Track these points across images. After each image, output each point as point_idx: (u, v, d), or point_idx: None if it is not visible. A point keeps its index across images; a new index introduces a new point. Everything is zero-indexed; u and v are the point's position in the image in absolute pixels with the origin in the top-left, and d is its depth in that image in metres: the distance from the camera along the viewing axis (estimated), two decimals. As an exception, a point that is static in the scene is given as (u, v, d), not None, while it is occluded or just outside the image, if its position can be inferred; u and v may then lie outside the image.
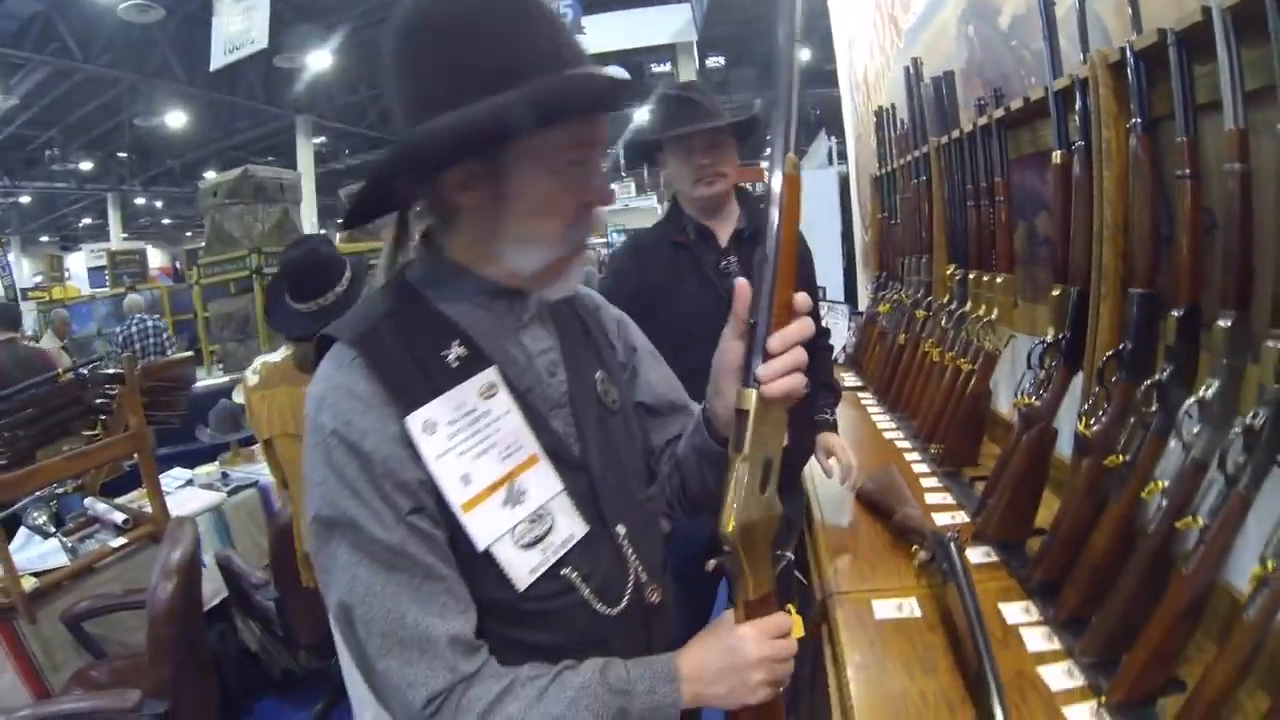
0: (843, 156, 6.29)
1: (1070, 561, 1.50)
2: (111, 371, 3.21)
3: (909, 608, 1.63)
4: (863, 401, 3.45)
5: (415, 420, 0.89)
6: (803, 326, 0.91)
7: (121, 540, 2.97)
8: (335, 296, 2.41)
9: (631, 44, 12.38)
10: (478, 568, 0.92)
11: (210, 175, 12.09)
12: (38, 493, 2.99)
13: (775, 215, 0.89)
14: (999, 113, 2.18)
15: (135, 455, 3.04)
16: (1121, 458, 1.40)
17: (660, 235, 2.22)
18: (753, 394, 0.89)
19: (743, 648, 0.95)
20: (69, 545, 2.91)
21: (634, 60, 13.40)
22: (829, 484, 2.26)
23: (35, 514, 3.04)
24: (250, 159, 14.45)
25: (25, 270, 22.89)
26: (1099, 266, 1.57)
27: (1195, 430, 1.22)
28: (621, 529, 1.03)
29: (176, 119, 15.43)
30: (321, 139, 18.35)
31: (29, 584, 2.59)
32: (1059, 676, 1.35)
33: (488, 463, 0.93)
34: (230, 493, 3.64)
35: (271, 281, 2.70)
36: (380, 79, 0.96)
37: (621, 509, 1.04)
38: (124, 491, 3.55)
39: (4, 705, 2.38)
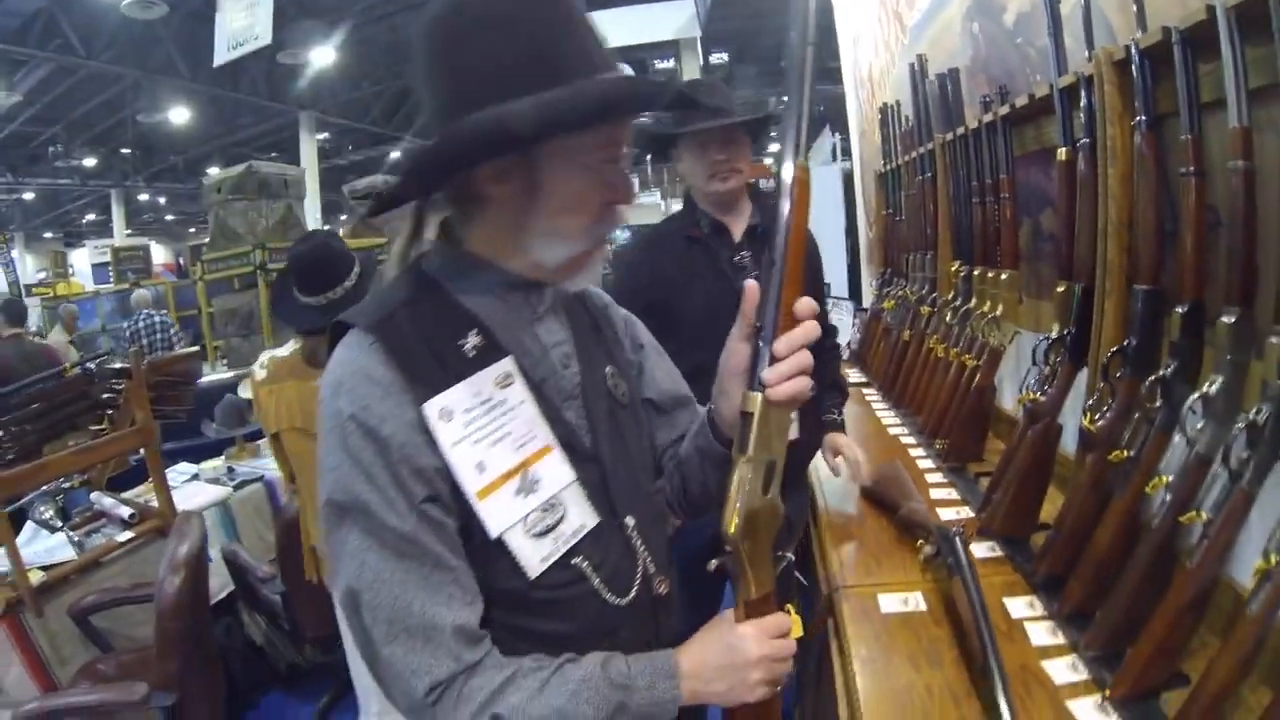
0: (847, 153, 6.30)
1: (1075, 556, 1.51)
2: (118, 366, 3.21)
3: (914, 602, 1.64)
4: (867, 398, 3.46)
5: (432, 407, 0.89)
6: (808, 330, 0.91)
7: (128, 534, 2.97)
8: (344, 291, 2.42)
9: (635, 40, 12.34)
10: (490, 556, 0.93)
11: (214, 171, 12.10)
12: (44, 487, 3.00)
13: (783, 219, 0.90)
14: (1004, 109, 2.19)
15: (142, 450, 3.05)
16: (1126, 453, 1.41)
17: (674, 229, 2.22)
18: (758, 397, 0.91)
19: (743, 646, 0.96)
20: (76, 539, 2.92)
21: (637, 56, 13.37)
22: (835, 479, 2.27)
23: (42, 508, 3.05)
24: (254, 155, 14.41)
25: (29, 266, 22.88)
26: (1104, 263, 1.57)
27: (1199, 426, 1.22)
28: (631, 520, 1.04)
29: (180, 115, 15.44)
30: (325, 135, 18.33)
31: (36, 578, 2.61)
32: (1063, 670, 1.36)
33: (502, 451, 0.93)
34: (236, 487, 3.65)
35: (279, 275, 2.70)
36: (409, 69, 0.96)
37: (631, 501, 1.05)
38: (130, 486, 3.55)
39: (12, 698, 2.39)
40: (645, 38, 12.44)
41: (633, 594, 1.02)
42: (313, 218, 13.41)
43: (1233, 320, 1.20)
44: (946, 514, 2.04)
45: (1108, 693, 1.26)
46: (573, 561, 0.97)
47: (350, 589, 0.89)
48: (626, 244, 2.28)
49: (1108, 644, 1.34)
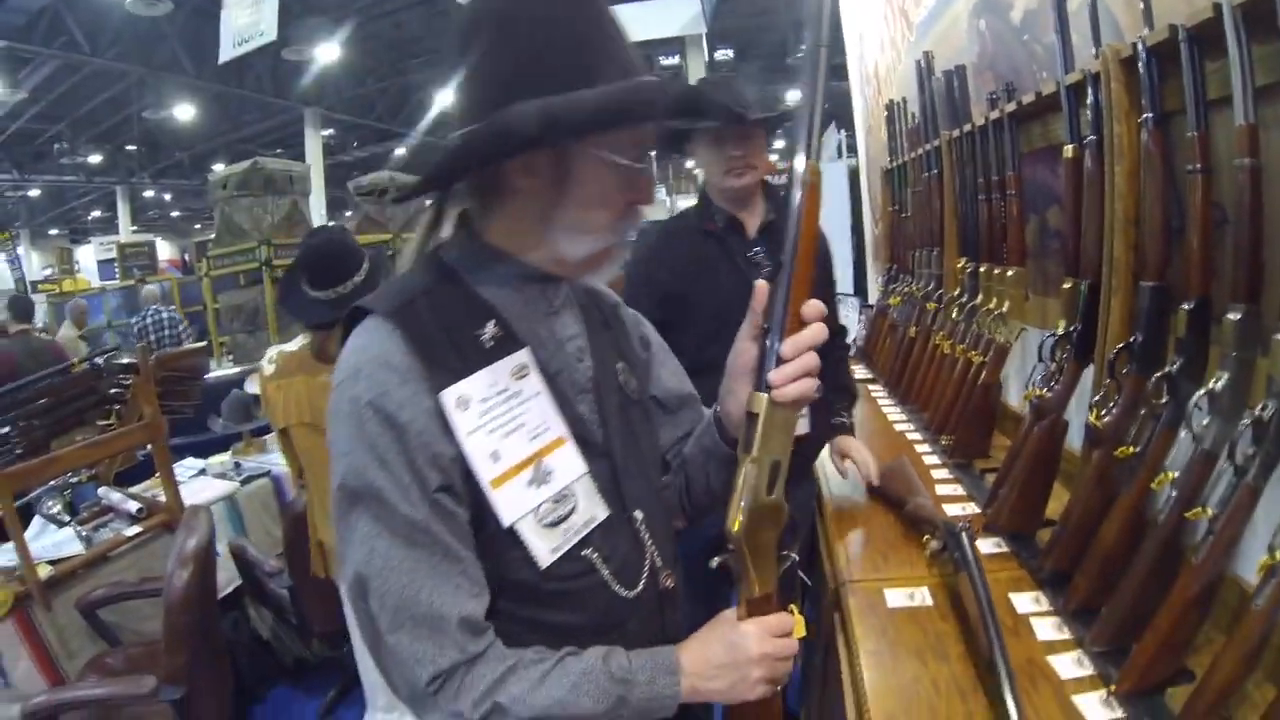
0: (852, 149, 6.30)
1: (1080, 552, 1.51)
2: (126, 361, 3.22)
3: (921, 596, 1.65)
4: (873, 394, 3.46)
5: (450, 395, 0.90)
6: (815, 333, 0.92)
7: (136, 529, 2.99)
8: (354, 285, 2.43)
9: (641, 36, 12.30)
10: (502, 547, 0.93)
11: (219, 168, 12.10)
12: (52, 482, 3.02)
13: (793, 222, 0.91)
14: (1010, 107, 2.19)
15: (149, 445, 3.06)
16: (1132, 449, 1.41)
17: (689, 224, 2.23)
18: (764, 398, 0.92)
19: (744, 644, 0.97)
20: (83, 534, 2.93)
21: (642, 53, 13.32)
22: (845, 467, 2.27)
23: (50, 503, 3.07)
24: (259, 151, 14.44)
25: (35, 263, 22.97)
26: (1110, 260, 1.57)
27: (1205, 422, 1.22)
28: (639, 514, 1.05)
29: (185, 112, 15.49)
30: (330, 131, 18.37)
31: (44, 572, 2.62)
32: (1069, 665, 1.36)
33: (517, 441, 0.94)
34: (243, 482, 3.66)
35: (287, 269, 2.71)
36: (447, 55, 0.97)
37: (640, 495, 1.06)
38: (137, 481, 3.56)
39: (20, 692, 2.40)
40: (651, 34, 12.40)
41: (640, 587, 1.03)
42: (318, 214, 13.43)
43: (1239, 317, 1.20)
44: (952, 510, 2.04)
45: (1113, 688, 1.26)
46: (583, 553, 0.98)
47: (358, 575, 0.89)
48: (641, 236, 2.26)
49: (1113, 639, 1.34)
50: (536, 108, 0.83)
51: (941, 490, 2.20)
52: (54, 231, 25.67)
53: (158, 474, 3.13)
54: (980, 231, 2.45)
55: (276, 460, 3.76)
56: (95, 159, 18.71)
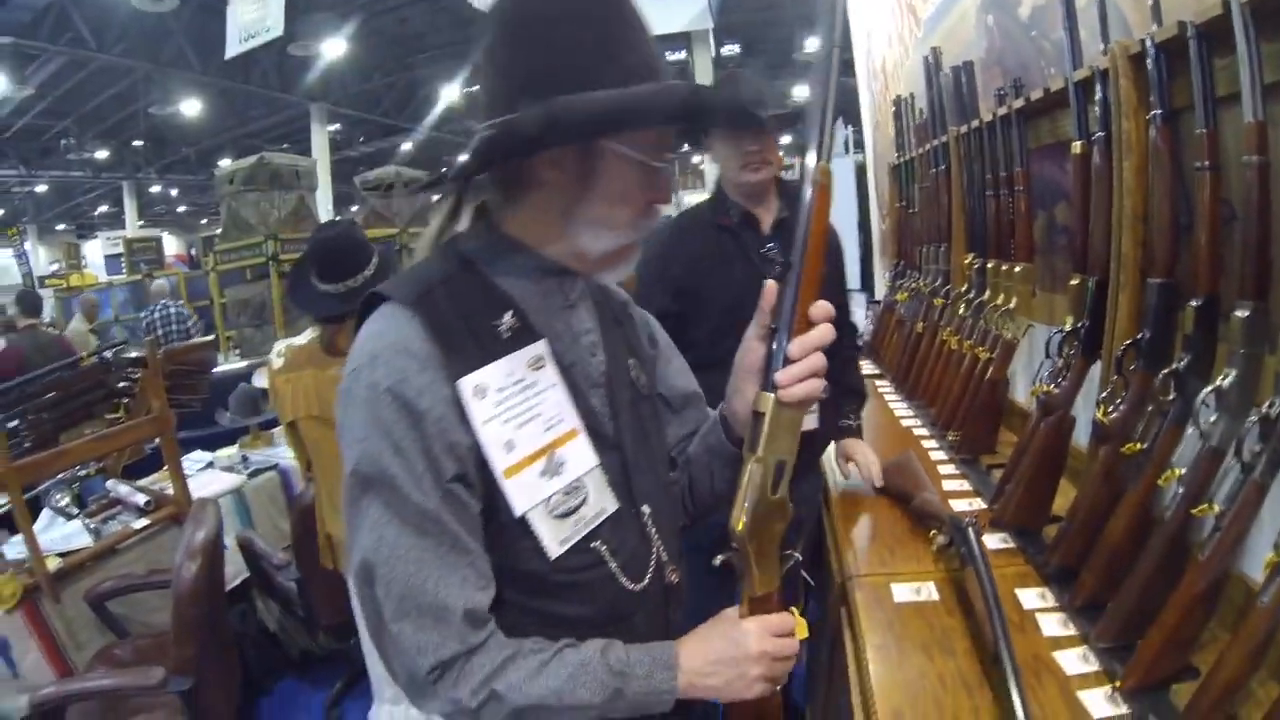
0: (859, 145, 6.28)
1: (1087, 548, 1.51)
2: (134, 355, 3.24)
3: (927, 591, 1.65)
4: (880, 389, 3.46)
5: (468, 383, 0.90)
6: (823, 334, 0.93)
7: (144, 521, 3.00)
8: (363, 279, 2.44)
9: (647, 32, 12.32)
10: (512, 537, 0.94)
11: (225, 163, 12.13)
12: (61, 475, 3.03)
13: (803, 222, 0.91)
14: (1019, 103, 2.19)
15: (157, 438, 3.07)
16: (1139, 445, 1.41)
17: (703, 218, 2.23)
18: (770, 398, 0.92)
19: (744, 641, 0.97)
20: (92, 526, 2.95)
21: (651, 48, 13.34)
22: (849, 470, 2.28)
23: (58, 496, 3.08)
24: (265, 146, 14.46)
25: (42, 258, 22.98)
26: (1118, 256, 1.57)
27: (1212, 419, 1.22)
28: (647, 509, 1.05)
29: (191, 107, 15.51)
30: (336, 126, 18.38)
31: (53, 564, 2.63)
32: (1074, 661, 1.36)
33: (531, 432, 0.94)
34: (250, 475, 3.68)
35: (296, 262, 2.72)
36: (477, 45, 0.97)
37: (648, 490, 1.06)
38: (145, 474, 3.58)
39: (29, 683, 2.41)
40: (658, 29, 12.29)
41: (647, 580, 1.04)
42: (324, 209, 13.45)
43: (1247, 314, 1.20)
44: (959, 505, 2.04)
45: (1118, 684, 1.26)
46: (592, 545, 0.98)
47: (365, 561, 0.89)
48: (654, 232, 2.24)
49: (1119, 635, 1.35)
50: (579, 103, 0.84)
51: (948, 485, 2.20)
52: (61, 227, 25.71)
53: (166, 467, 3.14)
54: (988, 227, 2.45)
55: (284, 453, 3.77)
56: (102, 155, 18.75)
